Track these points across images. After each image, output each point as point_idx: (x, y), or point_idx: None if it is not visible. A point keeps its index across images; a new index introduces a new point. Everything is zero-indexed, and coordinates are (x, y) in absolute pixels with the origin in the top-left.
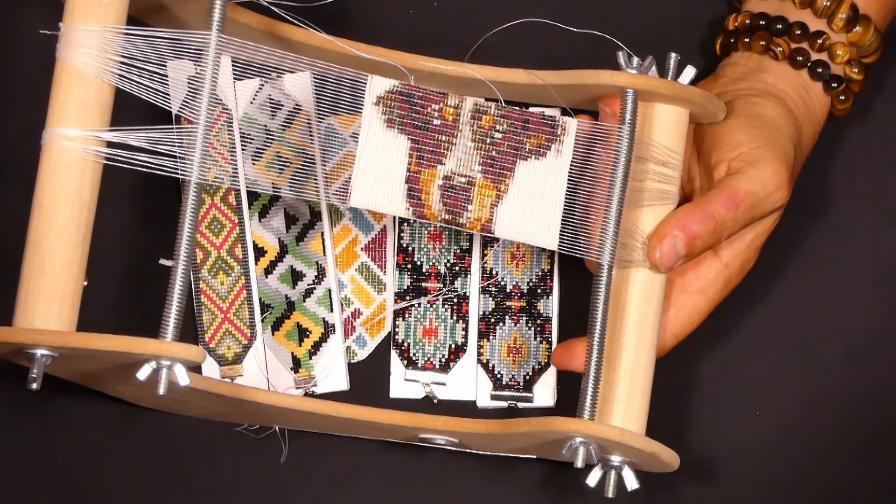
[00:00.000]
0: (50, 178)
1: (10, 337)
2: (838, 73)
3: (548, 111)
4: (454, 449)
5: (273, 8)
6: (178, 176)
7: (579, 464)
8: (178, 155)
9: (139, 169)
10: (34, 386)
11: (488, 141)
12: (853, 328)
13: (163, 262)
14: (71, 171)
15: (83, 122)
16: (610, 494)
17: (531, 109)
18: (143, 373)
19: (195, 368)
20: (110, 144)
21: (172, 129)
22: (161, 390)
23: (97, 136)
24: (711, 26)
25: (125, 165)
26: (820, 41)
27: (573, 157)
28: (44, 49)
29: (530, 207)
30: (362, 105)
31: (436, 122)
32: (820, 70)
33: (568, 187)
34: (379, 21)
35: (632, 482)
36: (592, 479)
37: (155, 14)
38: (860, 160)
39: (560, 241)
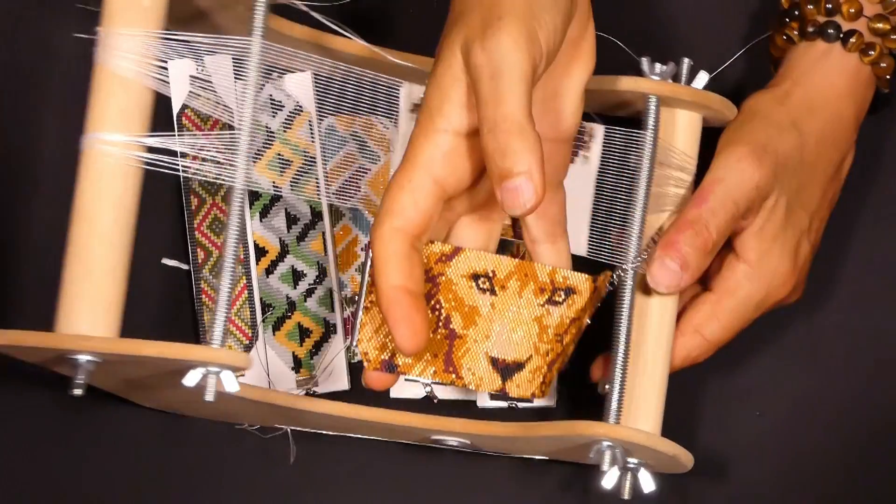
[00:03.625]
0: (91, 184)
1: (56, 343)
2: (872, 41)
3: None
4: (464, 450)
5: (312, 13)
6: (222, 182)
7: (605, 467)
8: (222, 161)
9: (183, 175)
10: (78, 392)
11: None
12: (853, 327)
13: (165, 261)
14: (113, 177)
15: (124, 127)
16: (626, 496)
17: None
18: (191, 379)
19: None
20: (150, 150)
21: (215, 135)
22: (209, 397)
23: (139, 142)
24: (709, 24)
25: (167, 171)
26: (829, 5)
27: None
28: (66, 54)
29: None
30: (396, 111)
31: None
32: (831, 31)
33: (595, 193)
34: (378, 21)
35: (648, 484)
36: (608, 481)
37: (193, 22)
38: (859, 157)
39: (589, 248)
